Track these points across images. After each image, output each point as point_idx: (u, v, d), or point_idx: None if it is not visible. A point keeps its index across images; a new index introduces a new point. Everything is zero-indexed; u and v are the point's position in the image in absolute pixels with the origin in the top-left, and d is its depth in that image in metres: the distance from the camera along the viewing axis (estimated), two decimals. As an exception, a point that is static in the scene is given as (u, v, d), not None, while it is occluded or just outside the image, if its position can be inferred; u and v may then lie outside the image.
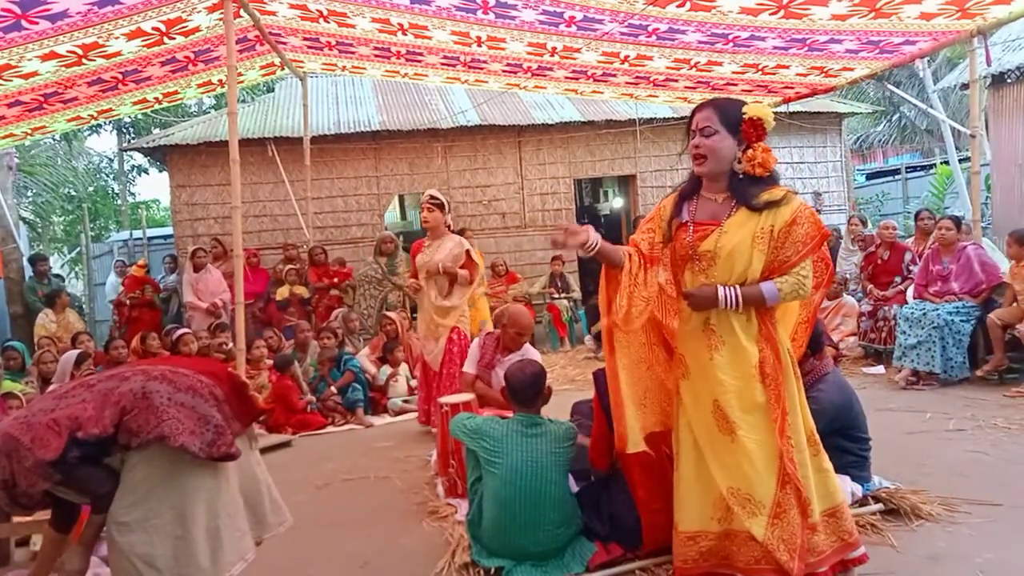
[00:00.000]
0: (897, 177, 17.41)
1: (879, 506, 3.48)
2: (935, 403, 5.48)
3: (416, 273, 5.49)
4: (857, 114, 13.77)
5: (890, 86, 15.49)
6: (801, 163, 11.87)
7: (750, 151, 2.55)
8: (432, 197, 5.41)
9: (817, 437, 2.67)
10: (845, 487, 3.54)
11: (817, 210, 11.61)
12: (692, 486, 2.64)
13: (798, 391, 2.61)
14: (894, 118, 20.20)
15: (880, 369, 6.74)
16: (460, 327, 5.40)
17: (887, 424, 4.83)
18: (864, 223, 9.41)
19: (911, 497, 3.51)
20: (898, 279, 7.12)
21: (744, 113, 2.55)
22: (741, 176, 2.58)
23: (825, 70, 7.14)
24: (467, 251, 5.37)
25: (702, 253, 2.61)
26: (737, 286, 2.55)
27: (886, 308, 6.90)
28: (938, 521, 3.35)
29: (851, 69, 7.14)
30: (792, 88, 8.07)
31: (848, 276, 8.40)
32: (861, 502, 3.52)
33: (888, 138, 20.91)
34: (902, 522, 3.36)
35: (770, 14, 5.27)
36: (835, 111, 11.82)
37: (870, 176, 19.46)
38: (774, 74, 7.21)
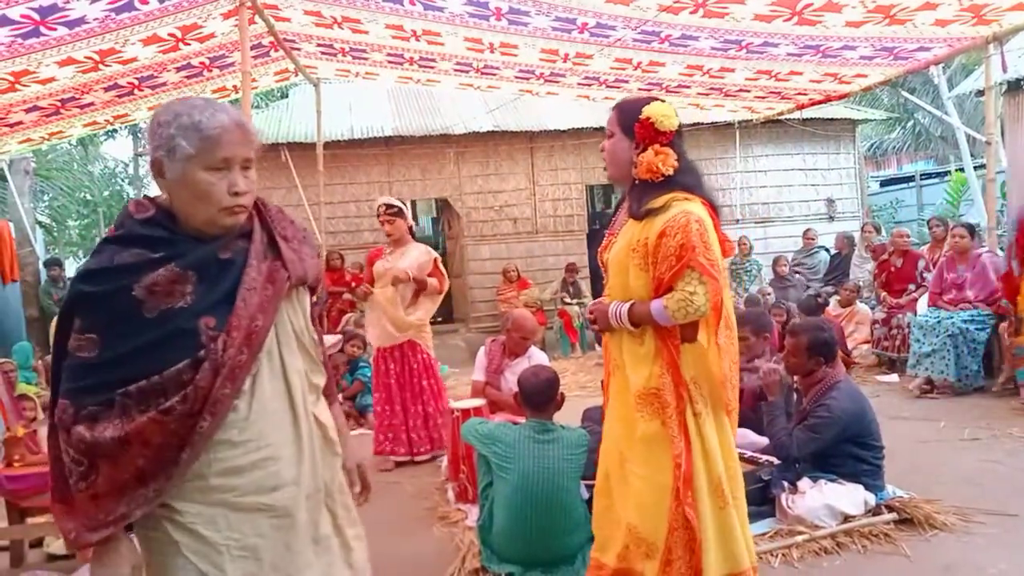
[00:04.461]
0: (911, 184, 17.30)
1: (892, 515, 3.45)
2: (949, 412, 5.43)
3: (372, 280, 5.06)
4: (871, 121, 13.71)
5: (904, 92, 15.40)
6: (814, 170, 11.82)
7: (642, 154, 2.34)
8: (388, 206, 4.98)
9: (727, 490, 2.31)
10: (858, 496, 3.52)
11: (830, 217, 11.61)
12: (603, 513, 2.52)
13: (717, 432, 2.33)
14: (908, 125, 20.07)
15: (894, 377, 6.69)
16: (420, 343, 5.02)
17: (901, 433, 4.79)
18: (877, 230, 9.36)
19: (925, 507, 3.48)
20: (912, 287, 7.07)
21: (640, 113, 2.34)
22: (636, 181, 2.37)
23: (839, 76, 7.11)
24: (435, 259, 5.04)
25: (604, 263, 2.50)
26: (625, 303, 2.35)
27: (900, 316, 6.85)
28: (952, 531, 3.32)
29: (865, 75, 7.11)
30: (805, 94, 8.04)
31: (861, 283, 8.35)
32: (874, 511, 3.49)
33: (902, 145, 20.78)
34: (916, 532, 3.33)
35: (784, 20, 5.25)
36: (849, 118, 11.77)
37: (884, 183, 19.34)
38: (787, 80, 7.19)
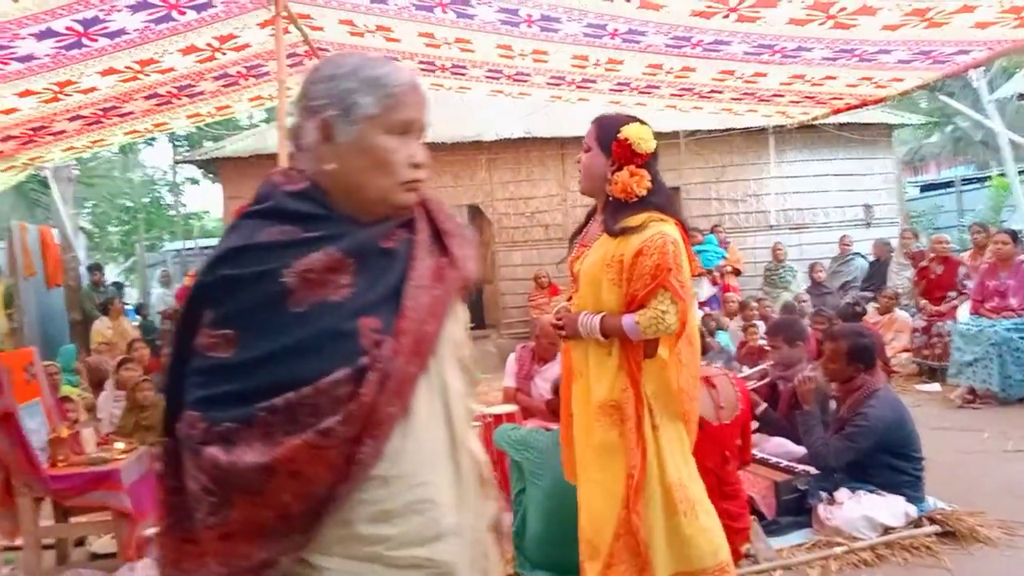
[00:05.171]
0: (951, 189, 16.96)
1: (934, 528, 3.38)
2: (993, 422, 5.30)
3: None
4: (908, 125, 13.47)
5: (943, 96, 15.12)
6: (850, 175, 11.63)
7: (618, 173, 2.42)
8: None
9: (679, 499, 2.38)
10: (898, 508, 3.45)
11: (867, 224, 11.43)
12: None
13: (678, 448, 2.42)
14: (947, 129, 19.69)
15: (935, 387, 6.56)
16: None
17: (942, 444, 4.69)
18: (916, 236, 9.20)
19: (968, 519, 3.41)
20: (952, 294, 6.93)
21: (619, 132, 2.41)
22: (610, 198, 2.45)
23: (875, 81, 7.00)
24: None
25: (575, 274, 2.57)
26: (597, 315, 2.42)
27: (940, 324, 6.71)
28: (996, 545, 3.24)
29: (902, 80, 6.98)
30: (841, 99, 7.92)
31: (900, 291, 8.20)
32: (916, 523, 3.43)
33: (941, 150, 20.38)
34: (958, 545, 3.26)
35: (818, 24, 5.19)
36: (886, 122, 11.57)
37: (924, 188, 19.00)
38: (822, 85, 7.10)
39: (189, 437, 1.22)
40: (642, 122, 2.45)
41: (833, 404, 4.02)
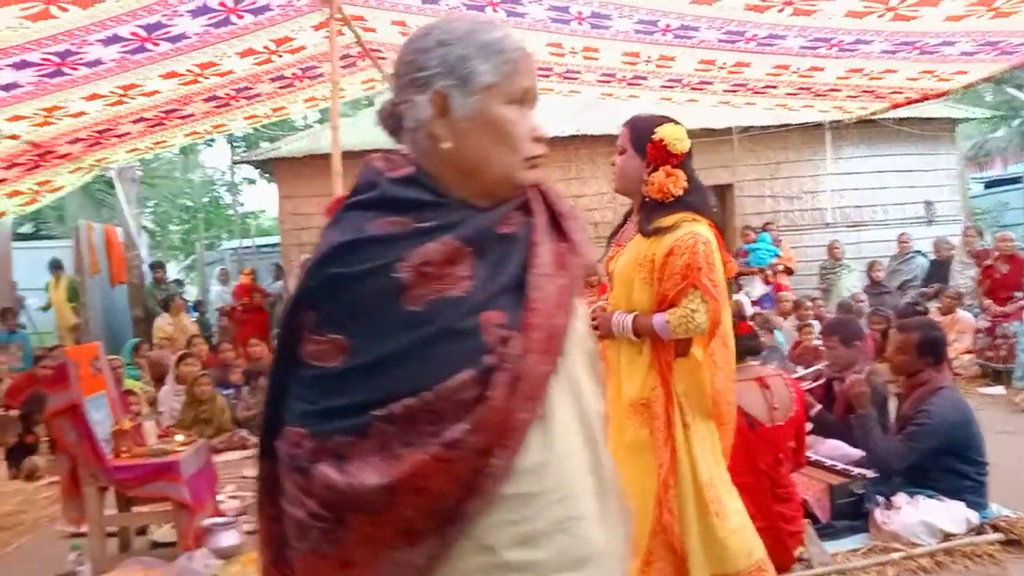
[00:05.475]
0: (1018, 186, 16.35)
1: (998, 536, 3.28)
2: (1061, 427, 5.11)
3: None
4: (972, 120, 13.03)
5: (1010, 89, 14.59)
6: (910, 171, 11.29)
7: (654, 174, 2.44)
8: None
9: (709, 499, 2.39)
10: (959, 514, 3.35)
11: (928, 221, 11.08)
12: None
13: (709, 448, 2.44)
14: (1014, 123, 18.99)
15: (999, 389, 6.34)
16: None
17: (1006, 448, 4.52)
18: (980, 234, 8.90)
19: (1033, 527, 3.29)
20: (1018, 294, 6.69)
21: (653, 134, 2.44)
22: (646, 199, 2.48)
23: (937, 74, 6.79)
24: None
25: (610, 273, 2.61)
26: (629, 314, 2.46)
27: (1005, 325, 6.49)
28: (1064, 554, 3.12)
29: (966, 72, 6.76)
30: (901, 93, 7.70)
31: (964, 290, 7.95)
32: (978, 530, 3.32)
33: (1007, 144, 19.66)
34: (1023, 554, 3.15)
35: (877, 17, 5.06)
36: (948, 117, 11.21)
37: (988, 185, 18.34)
38: (881, 79, 6.91)
39: (293, 457, 1.09)
40: (676, 122, 2.49)
41: (890, 404, 3.92)
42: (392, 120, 1.25)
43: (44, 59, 4.37)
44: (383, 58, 7.08)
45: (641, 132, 2.48)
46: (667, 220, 2.41)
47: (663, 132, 2.43)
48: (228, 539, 3.79)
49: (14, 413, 6.01)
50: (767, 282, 9.40)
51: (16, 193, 6.91)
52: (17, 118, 5.26)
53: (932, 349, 3.54)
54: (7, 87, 4.64)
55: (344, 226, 1.14)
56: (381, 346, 1.08)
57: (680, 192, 2.42)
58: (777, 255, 9.54)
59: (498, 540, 1.09)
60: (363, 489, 1.04)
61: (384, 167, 1.21)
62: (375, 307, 1.09)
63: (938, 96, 7.78)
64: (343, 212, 1.18)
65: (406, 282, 1.09)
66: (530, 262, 1.16)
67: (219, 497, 4.45)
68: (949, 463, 3.41)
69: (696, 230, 2.39)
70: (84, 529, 3.74)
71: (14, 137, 5.53)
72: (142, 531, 4.23)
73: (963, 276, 8.31)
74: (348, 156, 4.99)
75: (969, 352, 7.08)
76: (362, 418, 1.06)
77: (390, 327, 1.08)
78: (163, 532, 4.16)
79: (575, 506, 1.15)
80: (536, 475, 1.11)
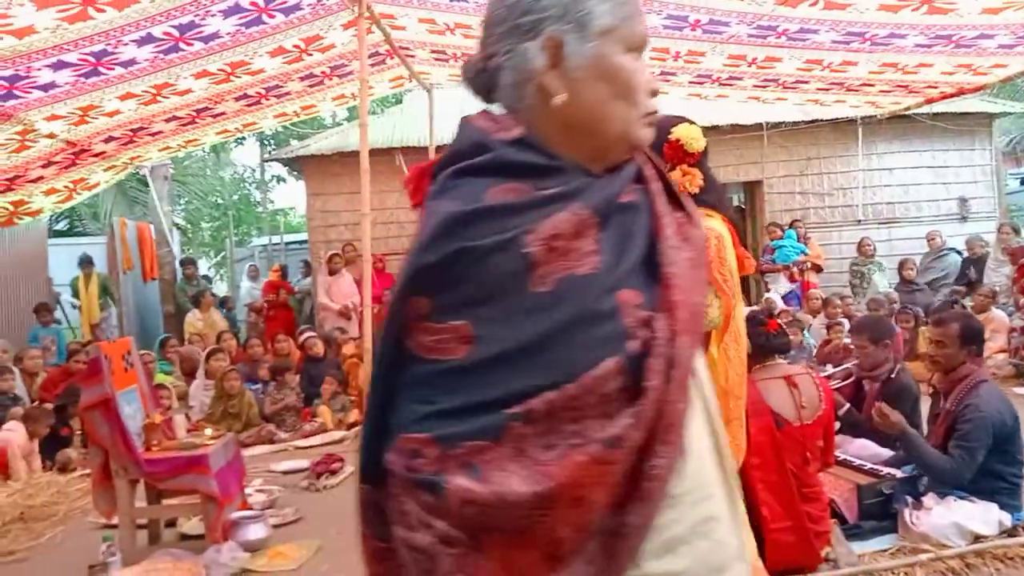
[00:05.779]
0: (1057, 182, 15.97)
1: (1031, 538, 3.21)
2: (1100, 429, 4.97)
3: None
4: (1010, 114, 12.75)
5: (1050, 83, 14.23)
6: (945, 167, 11.07)
7: (671, 173, 2.42)
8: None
9: None
10: (992, 515, 3.29)
11: (962, 218, 10.87)
12: None
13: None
14: (1054, 118, 18.54)
15: (1034, 390, 6.20)
16: None
17: (1042, 450, 4.42)
18: (1016, 231, 8.71)
19: (1069, 531, 3.21)
20: (1057, 293, 6.53)
21: (669, 134, 2.47)
22: None
23: (974, 68, 6.65)
24: None
25: None
26: None
27: (1042, 324, 6.35)
28: (1101, 559, 3.05)
29: (1004, 66, 6.61)
30: (936, 87, 7.56)
31: (998, 288, 7.79)
32: (1010, 533, 3.25)
33: (1046, 140, 19.20)
34: (1057, 557, 3.08)
35: (912, 10, 4.97)
36: (985, 111, 10.96)
37: (1025, 181, 17.92)
38: (916, 73, 6.79)
39: (414, 469, 0.92)
40: (691, 122, 2.53)
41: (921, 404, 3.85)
42: (483, 77, 1.07)
43: (81, 59, 4.46)
44: (411, 56, 7.11)
45: (658, 132, 2.48)
46: None
47: (679, 132, 2.47)
48: (255, 532, 3.85)
49: (49, 406, 6.14)
50: (792, 279, 9.29)
51: (53, 191, 7.06)
52: (54, 117, 5.37)
53: (973, 338, 3.47)
54: (45, 87, 4.75)
55: (458, 194, 0.97)
56: (512, 333, 0.92)
57: (696, 190, 2.45)
58: (804, 252, 9.42)
59: (643, 549, 0.94)
60: (514, 500, 0.87)
61: (491, 127, 1.03)
62: (502, 287, 0.93)
63: (974, 91, 7.63)
64: (451, 179, 1.00)
65: (535, 258, 0.93)
66: (659, 234, 1.02)
67: (247, 491, 4.51)
68: (988, 462, 3.31)
69: (709, 225, 2.40)
70: (115, 521, 3.81)
71: (51, 136, 5.65)
72: (171, 523, 4.30)
73: (997, 274, 8.14)
74: (375, 154, 5.03)
75: (1003, 351, 6.93)
76: (495, 418, 0.90)
77: (519, 310, 0.93)
78: (191, 525, 4.22)
79: (711, 507, 1.02)
80: (679, 475, 0.97)
